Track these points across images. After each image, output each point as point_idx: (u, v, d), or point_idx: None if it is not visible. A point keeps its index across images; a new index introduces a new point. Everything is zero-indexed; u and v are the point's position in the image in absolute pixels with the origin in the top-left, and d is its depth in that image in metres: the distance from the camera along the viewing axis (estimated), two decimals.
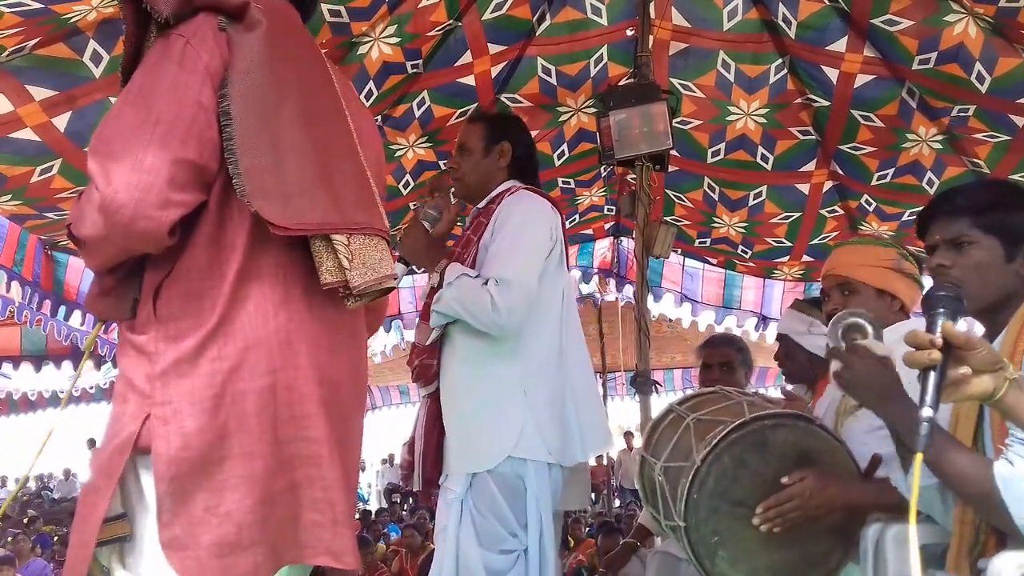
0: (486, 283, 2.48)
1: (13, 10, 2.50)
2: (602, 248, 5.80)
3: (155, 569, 1.45)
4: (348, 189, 1.60)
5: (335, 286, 1.55)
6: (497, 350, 2.57)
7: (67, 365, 6.95)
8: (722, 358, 3.54)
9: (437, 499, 2.72)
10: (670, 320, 6.78)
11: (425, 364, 2.65)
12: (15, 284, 3.70)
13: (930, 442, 1.34)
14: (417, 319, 2.74)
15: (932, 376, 1.36)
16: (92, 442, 15.67)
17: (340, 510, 1.55)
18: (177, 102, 1.46)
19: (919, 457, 1.32)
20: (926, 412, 1.34)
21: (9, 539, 8.11)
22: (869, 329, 1.77)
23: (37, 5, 2.52)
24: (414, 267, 2.73)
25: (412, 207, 4.78)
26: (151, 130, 1.44)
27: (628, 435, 12.91)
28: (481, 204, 2.76)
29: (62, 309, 4.12)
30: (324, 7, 3.25)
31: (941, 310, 1.39)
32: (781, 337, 3.04)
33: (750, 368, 3.62)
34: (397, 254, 2.59)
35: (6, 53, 2.72)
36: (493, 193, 2.75)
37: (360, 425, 1.72)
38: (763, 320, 5.59)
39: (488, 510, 2.54)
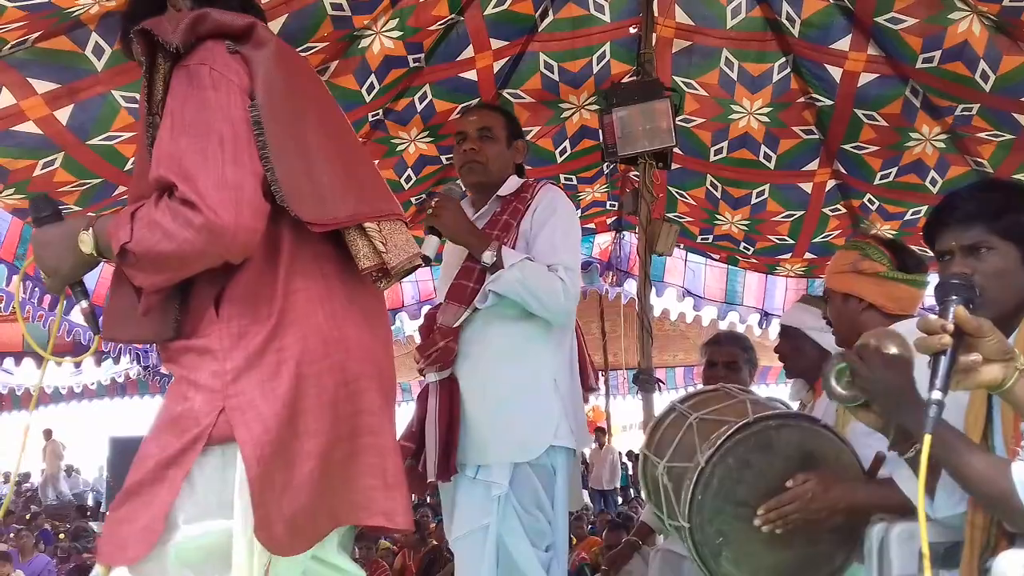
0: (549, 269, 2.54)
1: (17, 4, 2.49)
2: (603, 241, 5.80)
3: (242, 551, 1.56)
4: (369, 184, 1.78)
5: (371, 269, 1.70)
6: (534, 337, 2.59)
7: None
8: (727, 356, 3.54)
9: (438, 491, 2.68)
10: (672, 320, 6.78)
11: (450, 347, 2.58)
12: (2, 270, 3.68)
13: (942, 434, 1.34)
14: (445, 303, 2.64)
15: (943, 361, 1.36)
16: (48, 432, 15.69)
17: (392, 474, 1.71)
18: (229, 122, 1.59)
19: (927, 438, 1.32)
20: (936, 395, 1.34)
21: (11, 535, 8.12)
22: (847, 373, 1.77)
23: (41, 0, 2.51)
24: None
25: (414, 201, 4.78)
26: (219, 150, 1.56)
27: (600, 432, 12.77)
28: (502, 192, 2.74)
29: (63, 304, 4.09)
30: (325, 0, 3.23)
31: (954, 297, 1.39)
32: (789, 331, 3.02)
33: (754, 367, 3.62)
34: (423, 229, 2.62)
35: (8, 46, 2.71)
36: (512, 184, 2.76)
37: (395, 397, 1.86)
38: (765, 316, 5.59)
39: (532, 504, 2.53)
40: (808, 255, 5.17)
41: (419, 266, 1.79)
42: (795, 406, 2.85)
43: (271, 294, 1.63)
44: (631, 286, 5.63)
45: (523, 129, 4.44)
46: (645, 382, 3.55)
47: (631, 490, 12.57)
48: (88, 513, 12.48)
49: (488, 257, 2.53)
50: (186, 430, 1.57)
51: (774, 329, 5.58)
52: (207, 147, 1.55)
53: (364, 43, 3.66)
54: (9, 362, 7.40)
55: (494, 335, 2.59)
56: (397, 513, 1.70)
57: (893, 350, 1.68)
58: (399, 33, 3.68)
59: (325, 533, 1.65)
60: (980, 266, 1.72)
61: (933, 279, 1.98)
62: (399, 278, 1.77)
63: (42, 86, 2.93)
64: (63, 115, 3.07)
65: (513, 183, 2.75)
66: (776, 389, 9.68)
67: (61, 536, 9.13)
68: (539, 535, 2.53)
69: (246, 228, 1.55)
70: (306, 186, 1.64)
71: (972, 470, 1.53)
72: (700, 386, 2.84)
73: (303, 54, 3.41)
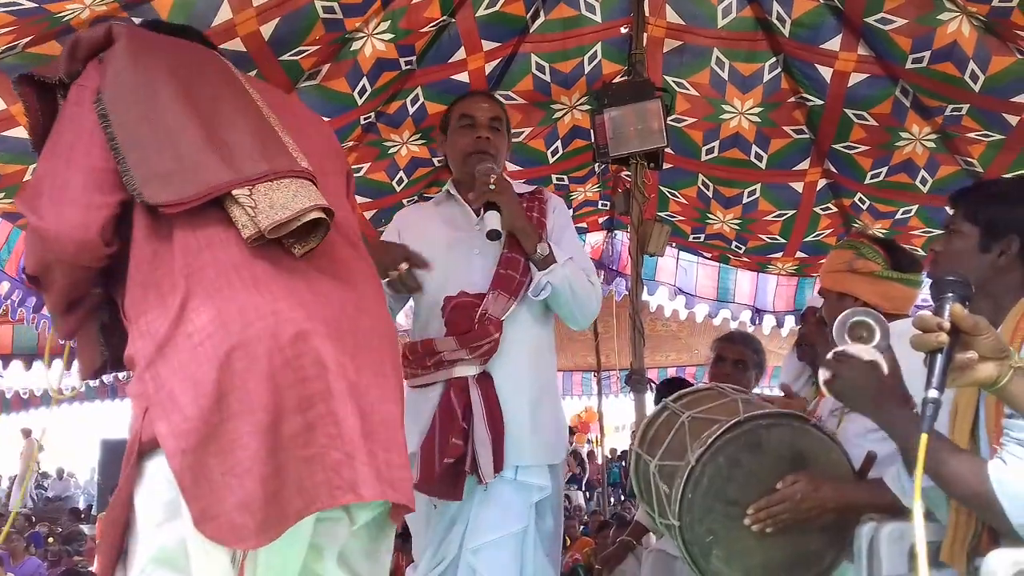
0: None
1: (6, 10, 2.48)
2: (595, 239, 5.81)
3: (196, 551, 1.47)
4: (244, 146, 1.63)
5: (254, 236, 1.57)
6: (550, 340, 2.64)
7: (58, 363, 6.90)
8: (737, 355, 3.57)
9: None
10: (665, 318, 6.78)
11: (497, 339, 2.46)
12: None
13: (933, 421, 1.35)
14: (493, 292, 2.50)
15: (939, 359, 1.37)
16: (27, 432, 15.59)
17: (355, 443, 1.55)
18: (73, 128, 1.60)
19: (924, 437, 1.33)
20: (932, 393, 1.35)
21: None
22: (876, 327, 1.77)
23: (31, 4, 2.50)
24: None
25: (406, 203, 4.78)
26: (58, 158, 1.57)
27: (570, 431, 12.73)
28: (518, 191, 2.68)
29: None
30: (317, 3, 3.23)
31: (950, 294, 1.40)
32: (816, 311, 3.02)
33: (762, 371, 3.66)
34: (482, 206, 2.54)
35: None
36: (521, 185, 2.74)
37: (387, 361, 1.70)
38: (757, 312, 5.61)
39: (557, 507, 2.55)
40: (800, 254, 5.19)
41: (317, 220, 1.61)
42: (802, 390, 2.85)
43: (171, 280, 1.55)
44: (622, 285, 5.64)
45: (515, 130, 4.48)
46: (637, 383, 3.56)
47: (621, 491, 12.56)
48: (81, 516, 12.45)
49: (543, 249, 2.48)
50: (130, 445, 1.54)
51: (767, 325, 5.61)
52: (51, 158, 1.58)
53: (356, 46, 3.65)
54: None
55: (526, 333, 2.54)
56: (360, 484, 1.54)
57: (866, 357, 1.70)
58: (391, 35, 3.68)
59: (298, 516, 1.52)
60: (945, 246, 1.84)
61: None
62: (314, 242, 1.62)
63: None
64: None
65: (522, 185, 2.74)
66: (769, 391, 9.71)
67: (51, 540, 9.10)
68: (553, 540, 2.53)
69: (71, 226, 1.52)
70: (163, 166, 1.56)
71: (949, 468, 1.54)
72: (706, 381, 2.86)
73: (295, 58, 3.42)
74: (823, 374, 1.75)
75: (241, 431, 1.47)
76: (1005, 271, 1.77)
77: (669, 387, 4.00)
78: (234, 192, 1.55)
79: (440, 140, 2.79)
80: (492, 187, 2.46)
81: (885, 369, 1.67)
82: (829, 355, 1.75)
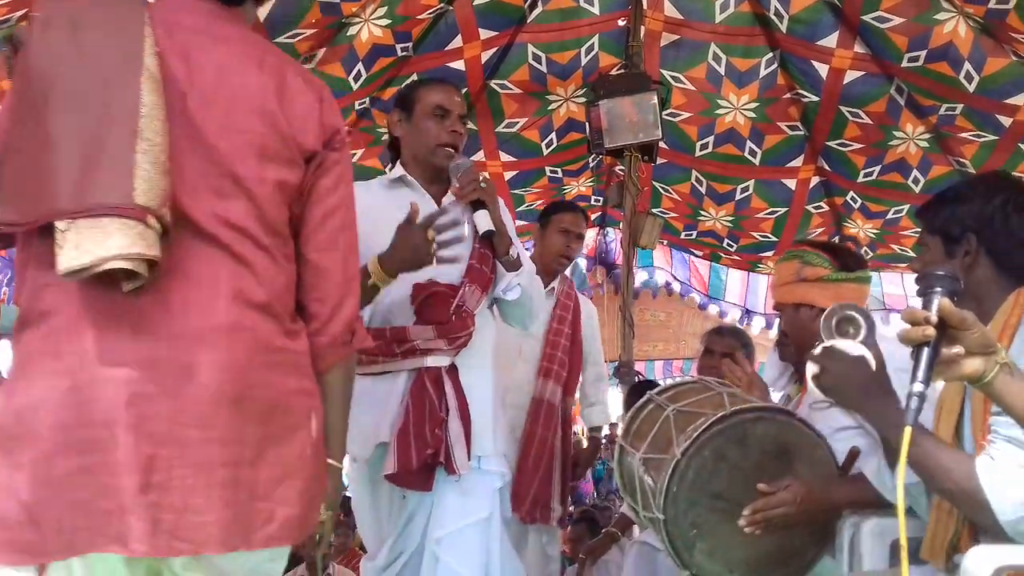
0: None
1: None
2: (587, 237, 5.80)
3: None
4: (88, 169, 1.46)
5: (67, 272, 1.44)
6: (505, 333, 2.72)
7: None
8: (725, 348, 3.57)
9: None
10: (655, 299, 6.78)
11: (471, 332, 2.45)
12: None
13: (918, 414, 1.35)
14: (469, 286, 2.47)
15: (925, 352, 1.37)
16: None
17: (130, 497, 1.44)
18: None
19: (908, 429, 1.33)
20: (917, 387, 1.35)
21: None
22: (862, 322, 1.77)
23: None
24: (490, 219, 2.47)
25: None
26: None
27: None
28: None
29: None
30: None
31: (938, 289, 1.39)
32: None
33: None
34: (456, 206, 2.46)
35: None
36: None
37: (222, 400, 1.52)
38: (747, 313, 5.62)
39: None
40: (777, 263, 5.19)
41: (133, 272, 1.46)
42: (777, 397, 2.86)
43: (22, 287, 1.52)
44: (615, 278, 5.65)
45: (510, 120, 4.48)
46: (625, 375, 3.57)
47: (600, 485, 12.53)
48: None
49: (514, 252, 2.49)
50: None
51: (756, 326, 5.62)
52: None
53: (352, 31, 3.64)
54: None
55: (487, 328, 2.56)
56: (131, 539, 1.45)
57: (854, 352, 1.70)
58: (388, 21, 3.67)
59: (57, 555, 1.44)
60: (920, 263, 1.88)
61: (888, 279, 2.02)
62: (136, 276, 1.47)
63: None
64: None
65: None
66: None
67: None
68: (518, 528, 2.57)
69: None
70: (21, 181, 1.45)
71: (937, 463, 1.54)
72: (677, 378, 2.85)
73: (290, 40, 3.40)
74: (811, 369, 1.75)
75: (25, 455, 1.42)
76: (974, 269, 1.78)
77: (640, 391, 3.98)
78: (56, 223, 1.44)
79: (398, 119, 2.58)
80: (483, 185, 2.44)
81: (872, 364, 1.68)
82: (816, 350, 1.75)
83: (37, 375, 1.46)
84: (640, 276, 5.43)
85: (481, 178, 2.45)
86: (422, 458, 2.34)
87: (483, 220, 2.43)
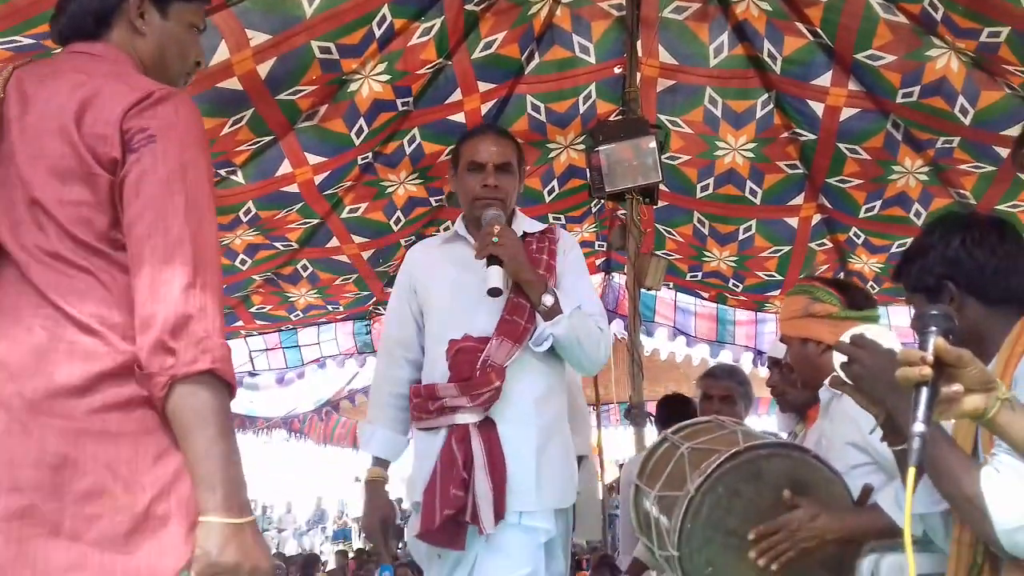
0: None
1: (5, 47, 2.52)
2: (593, 283, 5.81)
3: None
4: None
5: None
6: (559, 383, 2.57)
7: None
8: (723, 391, 3.55)
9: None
10: (662, 358, 6.78)
11: (499, 388, 2.40)
12: None
13: (923, 454, 1.35)
14: (497, 339, 2.44)
15: (924, 392, 1.37)
16: None
17: None
18: None
19: (912, 471, 1.32)
20: (918, 427, 1.34)
21: None
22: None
23: (28, 41, 2.54)
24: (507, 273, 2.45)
25: (403, 243, 4.80)
26: None
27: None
28: (529, 229, 2.63)
29: None
30: (314, 44, 3.28)
31: (933, 328, 1.40)
32: (780, 363, 3.01)
33: (750, 402, 3.63)
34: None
35: None
36: (534, 223, 2.67)
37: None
38: (758, 354, 5.60)
39: (561, 549, 2.49)
40: (786, 296, 5.18)
41: None
42: (784, 437, 2.85)
43: None
44: (620, 326, 5.64)
45: None
46: (636, 416, 3.55)
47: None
48: None
49: (548, 300, 2.43)
50: None
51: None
52: None
53: (353, 87, 3.71)
54: None
55: (532, 378, 2.49)
56: None
57: (885, 343, 1.70)
58: (387, 77, 3.73)
59: None
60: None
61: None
62: None
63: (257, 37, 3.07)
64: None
65: (532, 222, 2.70)
66: (768, 421, 9.66)
67: None
68: None
69: None
70: None
71: (945, 464, 1.54)
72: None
73: (291, 97, 3.46)
74: (838, 358, 1.73)
75: None
76: (964, 311, 1.79)
77: (667, 407, 3.95)
78: None
79: (450, 175, 2.69)
80: (496, 240, 2.41)
81: None
82: (845, 337, 1.73)
83: None
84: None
85: (496, 231, 2.42)
86: (443, 517, 2.32)
87: (494, 277, 2.39)
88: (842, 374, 1.73)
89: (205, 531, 1.32)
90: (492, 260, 2.40)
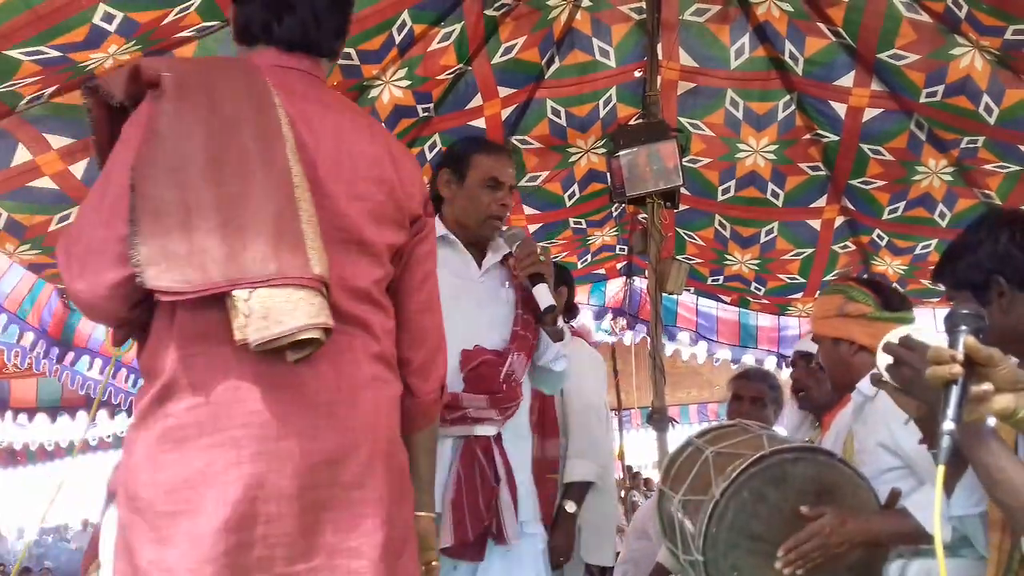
0: None
1: (32, 59, 2.55)
2: (614, 288, 5.79)
3: None
4: (259, 237, 1.47)
5: (241, 343, 1.44)
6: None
7: (82, 415, 6.96)
8: (755, 392, 3.54)
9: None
10: (684, 359, 6.75)
11: (520, 402, 2.47)
12: (15, 328, 3.70)
13: (952, 452, 1.33)
14: (516, 354, 2.46)
15: (954, 391, 1.35)
16: None
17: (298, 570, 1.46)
18: (116, 180, 1.50)
19: (941, 470, 1.31)
20: (948, 426, 1.33)
21: None
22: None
23: (55, 54, 2.57)
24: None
25: None
26: (97, 211, 1.50)
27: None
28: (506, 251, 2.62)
29: (70, 355, 4.13)
30: None
31: (963, 327, 1.39)
32: (809, 357, 2.99)
33: (780, 407, 3.61)
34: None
35: (24, 101, 2.77)
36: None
37: (368, 498, 1.54)
38: (781, 357, 5.55)
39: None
40: (820, 294, 5.15)
41: (312, 340, 1.47)
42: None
43: (165, 356, 1.49)
44: (643, 331, 5.61)
45: (532, 174, 4.52)
46: (659, 422, 3.53)
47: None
48: None
49: (560, 321, 2.53)
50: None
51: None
52: (90, 206, 1.51)
53: (374, 93, 3.72)
54: (23, 417, 7.42)
55: (525, 393, 2.57)
56: None
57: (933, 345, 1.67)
58: (408, 83, 3.74)
59: None
60: None
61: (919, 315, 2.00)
62: (309, 351, 1.47)
63: (57, 141, 2.98)
64: (78, 169, 3.11)
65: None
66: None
67: None
68: None
69: (101, 297, 1.46)
70: (173, 247, 1.44)
71: (1004, 475, 1.51)
72: (715, 422, 2.83)
73: None
74: (883, 359, 1.69)
75: (180, 528, 1.42)
76: (1014, 307, 1.75)
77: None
78: (234, 292, 1.44)
79: (448, 179, 2.57)
80: (543, 259, 2.47)
81: None
82: (893, 338, 1.69)
83: (192, 448, 1.43)
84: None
85: (539, 252, 2.47)
86: (477, 530, 2.33)
87: (544, 295, 2.43)
88: (886, 375, 1.69)
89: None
90: (535, 278, 2.44)
